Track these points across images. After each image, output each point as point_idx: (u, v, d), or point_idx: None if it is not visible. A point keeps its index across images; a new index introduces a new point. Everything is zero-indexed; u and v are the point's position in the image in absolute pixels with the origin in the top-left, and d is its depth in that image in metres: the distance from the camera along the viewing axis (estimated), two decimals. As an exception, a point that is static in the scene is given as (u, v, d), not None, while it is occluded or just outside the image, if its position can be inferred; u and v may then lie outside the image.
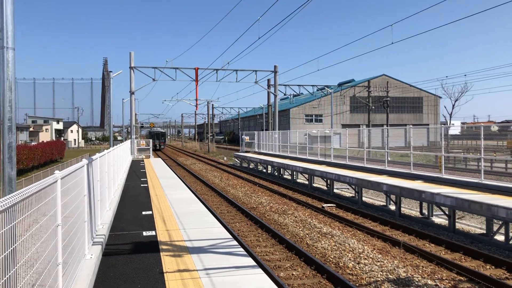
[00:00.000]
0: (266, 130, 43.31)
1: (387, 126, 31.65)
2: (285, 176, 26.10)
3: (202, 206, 11.09)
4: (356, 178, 15.86)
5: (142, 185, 15.69)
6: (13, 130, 4.98)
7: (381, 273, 8.13)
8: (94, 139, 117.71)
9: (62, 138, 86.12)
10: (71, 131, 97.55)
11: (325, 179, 19.45)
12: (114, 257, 6.52)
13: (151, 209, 10.55)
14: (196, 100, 35.25)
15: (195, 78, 32.70)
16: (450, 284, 7.60)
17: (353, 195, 17.61)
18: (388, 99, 41.88)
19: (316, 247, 10.11)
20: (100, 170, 8.25)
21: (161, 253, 6.65)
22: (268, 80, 38.41)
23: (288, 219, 13.32)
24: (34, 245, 3.31)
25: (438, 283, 7.58)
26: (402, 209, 14.05)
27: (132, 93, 32.72)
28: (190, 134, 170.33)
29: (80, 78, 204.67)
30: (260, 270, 5.87)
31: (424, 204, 13.28)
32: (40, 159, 41.52)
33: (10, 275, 2.74)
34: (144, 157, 33.27)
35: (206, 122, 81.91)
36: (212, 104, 72.09)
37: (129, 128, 41.64)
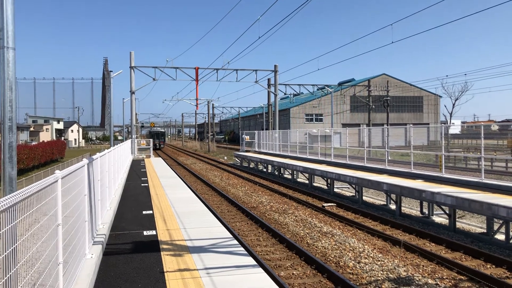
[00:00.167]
0: (266, 129, 43.31)
1: (387, 125, 31.65)
2: (285, 176, 26.10)
3: (202, 205, 11.09)
4: (356, 178, 15.86)
5: (142, 184, 15.70)
6: (13, 129, 4.98)
7: (381, 272, 8.14)
8: (94, 138, 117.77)
9: (62, 138, 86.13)
10: (72, 130, 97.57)
11: (325, 179, 19.44)
12: (114, 257, 6.53)
13: (151, 209, 10.55)
14: (197, 99, 35.21)
15: (195, 78, 32.69)
16: (450, 283, 7.60)
17: (354, 194, 17.61)
18: (388, 98, 41.87)
19: (316, 247, 10.11)
20: (100, 170, 8.25)
21: (162, 253, 6.66)
22: (268, 80, 38.40)
23: (288, 219, 13.32)
24: (34, 245, 3.31)
25: (438, 282, 7.58)
26: (402, 208, 14.05)
27: (132, 92, 32.72)
28: (191, 134, 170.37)
29: (81, 78, 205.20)
30: (260, 270, 5.87)
31: (425, 204, 13.28)
32: (40, 158, 41.54)
33: (11, 275, 2.74)
34: (145, 157, 33.27)
35: (207, 121, 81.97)
36: (213, 104, 72.13)
37: (130, 128, 41.64)
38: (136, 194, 13.28)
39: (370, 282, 7.70)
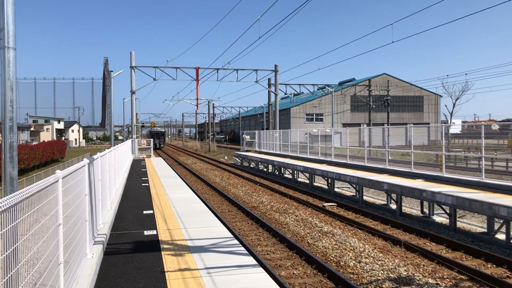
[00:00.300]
0: (266, 129, 43.30)
1: (387, 125, 31.63)
2: (285, 175, 26.10)
3: (203, 205, 11.09)
4: (357, 177, 15.86)
5: (143, 184, 15.71)
6: (14, 129, 4.99)
7: (382, 272, 8.14)
8: (95, 138, 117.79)
9: (63, 138, 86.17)
10: (72, 130, 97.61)
11: (326, 178, 19.44)
12: (115, 256, 6.53)
13: (152, 208, 10.56)
14: (197, 99, 35.19)
15: (195, 78, 32.68)
16: (451, 283, 7.59)
17: (354, 194, 17.60)
18: (389, 98, 41.84)
19: (317, 246, 10.11)
20: (101, 170, 8.26)
21: (162, 252, 6.66)
22: (269, 79, 38.40)
23: (289, 218, 13.32)
24: (35, 245, 3.32)
25: (439, 282, 7.58)
26: (403, 208, 14.05)
27: (133, 92, 32.72)
28: (191, 134, 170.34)
29: (81, 78, 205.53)
30: (261, 269, 5.88)
31: (425, 203, 13.28)
32: (41, 158, 41.56)
33: (12, 274, 2.74)
34: (145, 157, 33.29)
35: (207, 121, 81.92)
36: (213, 104, 72.11)
37: (130, 128, 41.66)
38: (136, 194, 13.29)
39: (370, 281, 7.70)
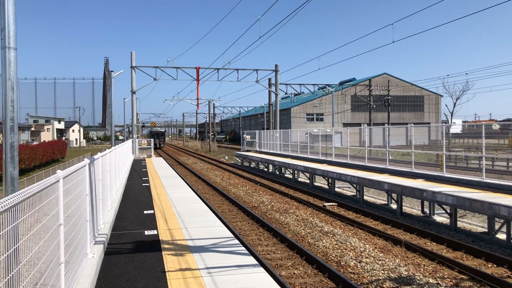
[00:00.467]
0: (267, 129, 43.29)
1: (388, 124, 31.61)
2: (286, 175, 26.11)
3: (203, 205, 11.10)
4: (357, 177, 15.86)
5: (143, 184, 15.72)
6: (15, 129, 4.99)
7: (382, 271, 8.14)
8: (95, 138, 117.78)
9: (63, 138, 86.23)
10: (73, 130, 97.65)
11: (326, 178, 19.45)
12: (116, 256, 6.54)
13: (152, 208, 10.57)
14: (197, 99, 35.19)
15: (196, 78, 32.69)
16: (451, 283, 7.59)
17: (355, 194, 17.61)
18: (389, 98, 41.83)
19: (317, 246, 10.12)
20: (101, 170, 8.27)
21: (163, 252, 6.67)
22: (269, 79, 38.39)
23: (289, 218, 13.32)
24: (36, 245, 3.32)
25: (439, 282, 7.58)
26: (403, 207, 14.05)
27: (133, 92, 32.73)
28: (192, 134, 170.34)
29: (82, 78, 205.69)
30: (261, 269, 5.88)
31: (426, 203, 13.28)
32: (41, 158, 41.58)
33: (13, 275, 2.75)
34: (146, 156, 33.30)
35: (207, 121, 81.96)
36: (214, 103, 72.12)
37: (131, 128, 41.68)
38: (137, 193, 13.30)
39: (371, 281, 7.70)
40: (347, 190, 19.54)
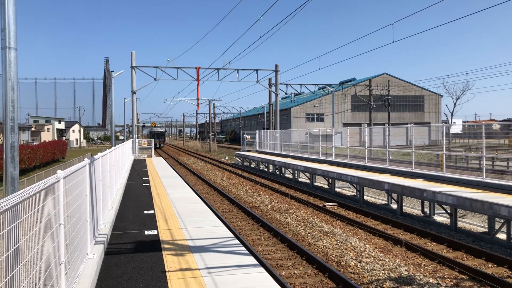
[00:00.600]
0: (267, 129, 43.29)
1: (388, 124, 31.60)
2: (286, 175, 26.10)
3: (204, 205, 11.10)
4: (357, 177, 15.85)
5: (144, 184, 15.72)
6: (15, 130, 5.00)
7: (382, 271, 8.14)
8: (95, 138, 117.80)
9: (64, 138, 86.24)
10: (73, 130, 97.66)
11: (326, 178, 19.44)
12: (116, 256, 6.54)
13: (153, 208, 10.57)
14: (198, 99, 35.19)
15: (196, 78, 32.69)
16: (452, 283, 7.59)
17: (355, 194, 17.60)
18: (390, 97, 41.83)
19: (317, 246, 10.12)
20: (102, 170, 8.27)
21: (163, 252, 6.67)
22: (269, 79, 38.39)
23: (289, 218, 13.33)
24: (36, 245, 3.32)
25: (440, 282, 7.58)
26: (403, 207, 14.04)
27: (133, 92, 32.74)
28: (192, 134, 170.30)
29: (82, 78, 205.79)
30: (262, 269, 5.88)
31: (426, 203, 13.27)
32: (42, 158, 41.59)
33: (13, 275, 2.75)
34: (146, 157, 33.30)
35: (208, 121, 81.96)
36: (214, 104, 72.12)
37: (131, 128, 41.69)
38: (137, 193, 13.30)
39: (371, 281, 7.70)
40: (347, 190, 19.54)
